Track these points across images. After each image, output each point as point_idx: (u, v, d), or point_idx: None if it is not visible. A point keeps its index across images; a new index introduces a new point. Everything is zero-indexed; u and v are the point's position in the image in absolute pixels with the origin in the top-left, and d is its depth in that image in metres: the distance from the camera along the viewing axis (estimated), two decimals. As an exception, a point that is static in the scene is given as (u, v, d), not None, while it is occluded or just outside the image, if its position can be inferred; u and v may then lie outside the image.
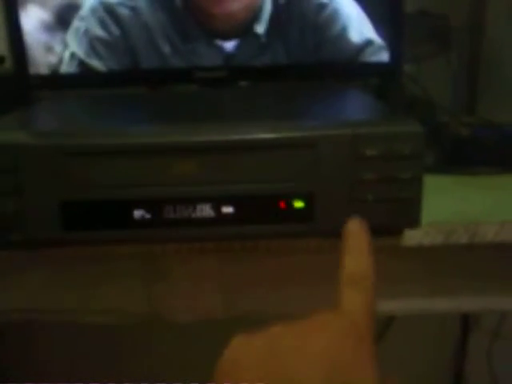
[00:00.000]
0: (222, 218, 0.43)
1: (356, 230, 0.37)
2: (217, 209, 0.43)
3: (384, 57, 0.78)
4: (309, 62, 0.77)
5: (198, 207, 0.43)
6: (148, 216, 0.43)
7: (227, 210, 0.43)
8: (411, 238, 0.49)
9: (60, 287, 0.54)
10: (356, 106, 0.59)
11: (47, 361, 1.19)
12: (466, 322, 1.20)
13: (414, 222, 0.45)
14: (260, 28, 0.76)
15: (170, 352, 1.17)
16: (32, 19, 0.75)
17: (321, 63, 0.77)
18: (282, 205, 0.43)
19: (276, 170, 0.43)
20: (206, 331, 0.98)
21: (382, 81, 0.82)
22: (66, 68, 0.76)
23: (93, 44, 0.75)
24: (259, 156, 0.42)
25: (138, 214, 0.43)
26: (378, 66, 0.79)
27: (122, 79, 0.77)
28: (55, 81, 0.78)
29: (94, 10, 0.74)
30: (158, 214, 0.43)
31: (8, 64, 0.81)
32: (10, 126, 0.49)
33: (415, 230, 0.47)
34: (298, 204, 0.43)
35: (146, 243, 0.47)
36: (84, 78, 0.77)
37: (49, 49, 0.76)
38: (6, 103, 0.64)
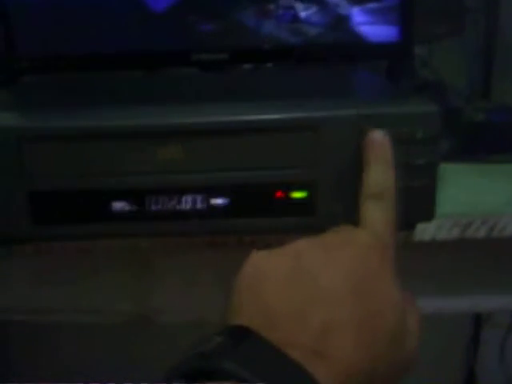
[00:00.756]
0: (212, 211, 0.38)
1: (380, 140, 0.35)
2: (206, 200, 0.38)
3: (394, 37, 0.72)
4: (315, 43, 0.72)
5: (185, 198, 0.38)
6: (129, 208, 0.38)
7: (218, 201, 0.38)
8: (424, 231, 0.44)
9: (38, 285, 0.50)
10: (364, 87, 0.54)
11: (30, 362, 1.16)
12: (479, 316, 1.17)
13: (428, 214, 0.40)
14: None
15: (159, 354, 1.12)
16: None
17: (328, 44, 0.72)
18: (280, 195, 0.38)
19: (273, 155, 0.38)
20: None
21: (391, 62, 0.77)
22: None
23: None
24: (254, 140, 0.38)
25: (117, 205, 0.38)
26: (387, 46, 0.73)
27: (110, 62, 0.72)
28: (43, 63, 0.73)
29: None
30: (140, 206, 0.38)
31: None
32: None
33: (429, 223, 0.42)
34: (298, 194, 0.38)
35: (126, 238, 0.42)
36: (72, 61, 0.72)
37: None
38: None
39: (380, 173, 0.33)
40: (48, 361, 1.14)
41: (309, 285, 0.28)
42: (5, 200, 0.38)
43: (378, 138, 0.35)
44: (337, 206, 0.38)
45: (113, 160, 0.38)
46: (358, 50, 0.73)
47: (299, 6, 0.72)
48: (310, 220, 0.39)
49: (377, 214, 0.32)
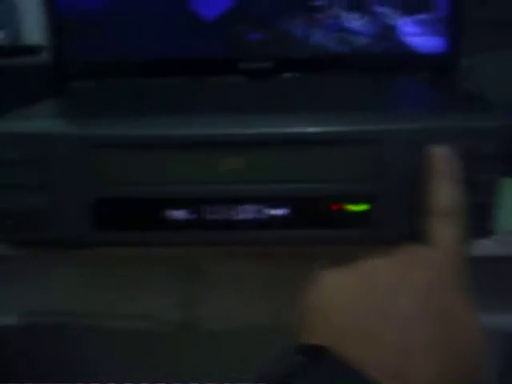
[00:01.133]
0: (270, 222, 0.38)
1: (446, 154, 0.34)
2: (265, 210, 0.38)
3: (441, 48, 0.72)
4: (361, 53, 0.72)
5: (243, 208, 0.38)
6: (186, 217, 0.38)
7: (277, 212, 0.38)
8: (483, 247, 0.43)
9: (88, 290, 0.50)
10: (419, 98, 0.53)
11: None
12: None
13: (487, 230, 0.39)
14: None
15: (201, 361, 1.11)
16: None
17: (375, 54, 0.72)
18: (341, 207, 0.38)
19: (335, 168, 0.37)
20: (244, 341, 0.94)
21: (433, 74, 0.76)
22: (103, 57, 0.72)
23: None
24: (317, 152, 0.37)
25: (174, 214, 0.38)
26: (434, 57, 0.73)
27: (161, 69, 0.73)
28: (92, 70, 0.74)
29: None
30: (198, 215, 0.38)
31: (45, 54, 0.79)
32: (38, 114, 0.45)
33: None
34: (359, 207, 0.38)
35: (182, 247, 0.42)
36: (122, 67, 0.73)
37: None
38: (42, 94, 0.61)
39: (447, 189, 0.33)
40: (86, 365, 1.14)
41: (381, 305, 0.28)
42: (68, 205, 0.39)
43: (444, 152, 0.34)
44: (397, 219, 0.38)
45: (173, 169, 0.38)
46: (404, 60, 0.72)
47: (347, 16, 0.72)
48: (370, 233, 0.38)
49: (447, 231, 0.31)
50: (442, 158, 0.34)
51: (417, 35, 0.73)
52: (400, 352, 0.26)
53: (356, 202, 0.38)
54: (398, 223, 0.37)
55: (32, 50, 0.83)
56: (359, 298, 0.29)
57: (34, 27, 0.94)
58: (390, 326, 0.27)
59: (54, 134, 0.38)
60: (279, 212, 0.38)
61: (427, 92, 0.55)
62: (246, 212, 0.38)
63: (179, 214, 0.38)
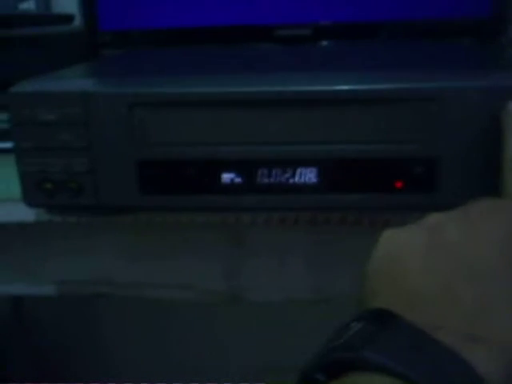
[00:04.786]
0: (325, 185, 0.36)
1: None
2: (320, 173, 0.36)
3: (484, 12, 0.68)
4: (397, 19, 0.69)
5: (298, 171, 0.36)
6: (238, 180, 0.36)
7: (332, 175, 0.36)
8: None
9: (130, 258, 0.49)
10: (472, 60, 0.50)
11: (108, 337, 1.16)
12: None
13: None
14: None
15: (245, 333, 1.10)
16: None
17: (411, 20, 0.69)
18: (399, 170, 0.36)
19: (393, 129, 0.35)
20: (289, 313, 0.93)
21: (478, 41, 0.73)
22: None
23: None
24: (374, 111, 0.35)
25: (226, 177, 0.36)
26: (476, 22, 0.69)
27: (195, 36, 0.71)
28: (124, 38, 0.72)
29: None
30: (250, 178, 0.36)
31: (77, 22, 0.78)
32: (74, 75, 0.43)
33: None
34: (418, 170, 0.35)
35: (232, 212, 0.40)
36: (155, 35, 0.71)
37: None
38: (73, 62, 0.60)
39: None
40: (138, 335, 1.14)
41: (455, 260, 0.25)
42: (113, 168, 0.37)
43: None
44: (459, 183, 0.35)
45: (224, 129, 0.36)
46: (448, 26, 0.69)
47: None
48: (430, 197, 0.36)
49: None
50: None
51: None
52: (479, 312, 0.24)
53: (415, 164, 0.35)
54: (462, 186, 0.35)
55: (63, 18, 0.82)
56: (430, 255, 0.26)
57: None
58: (465, 283, 0.25)
59: (93, 92, 0.36)
60: (339, 176, 0.36)
61: (479, 54, 0.52)
62: (304, 175, 0.36)
63: (227, 177, 0.36)
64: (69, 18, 0.81)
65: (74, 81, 0.39)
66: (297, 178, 0.36)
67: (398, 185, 0.36)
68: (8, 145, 0.55)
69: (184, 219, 0.42)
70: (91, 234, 0.49)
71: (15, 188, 0.40)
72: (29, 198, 0.39)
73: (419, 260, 0.26)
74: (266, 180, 0.36)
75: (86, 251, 0.50)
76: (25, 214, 0.43)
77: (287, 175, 0.36)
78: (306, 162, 0.36)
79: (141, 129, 0.36)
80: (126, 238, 0.48)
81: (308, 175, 0.36)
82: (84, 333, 1.16)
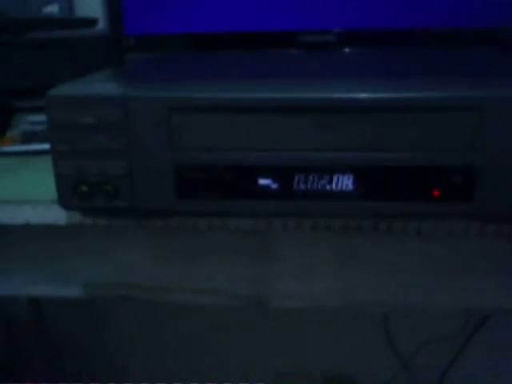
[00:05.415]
0: (361, 192, 0.36)
1: None
2: (357, 181, 0.36)
3: (506, 21, 0.68)
4: (422, 27, 0.69)
5: (334, 177, 0.36)
6: (274, 186, 0.36)
7: (369, 182, 0.36)
8: None
9: (157, 262, 0.49)
10: (505, 68, 0.49)
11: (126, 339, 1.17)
12: None
13: None
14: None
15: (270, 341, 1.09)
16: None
17: (434, 28, 0.69)
18: (437, 179, 0.35)
19: (432, 137, 0.35)
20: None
21: (500, 49, 0.72)
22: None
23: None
24: (414, 120, 0.35)
25: (263, 182, 0.36)
26: (499, 31, 0.69)
27: (220, 42, 0.71)
28: (150, 42, 0.73)
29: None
30: (287, 184, 0.36)
31: (101, 26, 0.79)
32: (113, 78, 0.44)
33: None
34: (457, 178, 0.35)
35: (270, 217, 0.40)
36: (180, 39, 0.71)
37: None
38: (98, 66, 0.60)
39: None
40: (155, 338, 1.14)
41: None
42: (149, 172, 0.37)
43: None
44: (498, 192, 0.35)
45: (262, 135, 0.36)
46: (470, 34, 0.69)
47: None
48: (468, 206, 0.36)
49: None
50: None
51: (485, 8, 0.70)
52: None
53: (454, 173, 0.35)
54: (500, 196, 0.35)
55: (86, 22, 0.83)
56: None
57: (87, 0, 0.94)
58: None
59: (133, 96, 0.36)
60: (376, 183, 0.36)
61: (505, 62, 0.52)
62: (341, 182, 0.36)
63: (264, 182, 0.36)
64: (92, 22, 0.82)
65: (113, 84, 0.39)
66: (333, 185, 0.36)
67: (436, 193, 0.35)
68: (43, 146, 0.55)
69: (216, 224, 0.42)
70: (119, 236, 0.49)
71: (48, 190, 0.41)
72: (64, 201, 0.40)
73: None
74: (302, 186, 0.36)
75: (113, 254, 0.50)
76: (57, 216, 0.43)
77: (324, 181, 0.36)
78: (343, 169, 0.36)
79: (179, 133, 0.36)
80: (154, 242, 0.48)
81: (345, 182, 0.36)
82: (99, 335, 1.16)
